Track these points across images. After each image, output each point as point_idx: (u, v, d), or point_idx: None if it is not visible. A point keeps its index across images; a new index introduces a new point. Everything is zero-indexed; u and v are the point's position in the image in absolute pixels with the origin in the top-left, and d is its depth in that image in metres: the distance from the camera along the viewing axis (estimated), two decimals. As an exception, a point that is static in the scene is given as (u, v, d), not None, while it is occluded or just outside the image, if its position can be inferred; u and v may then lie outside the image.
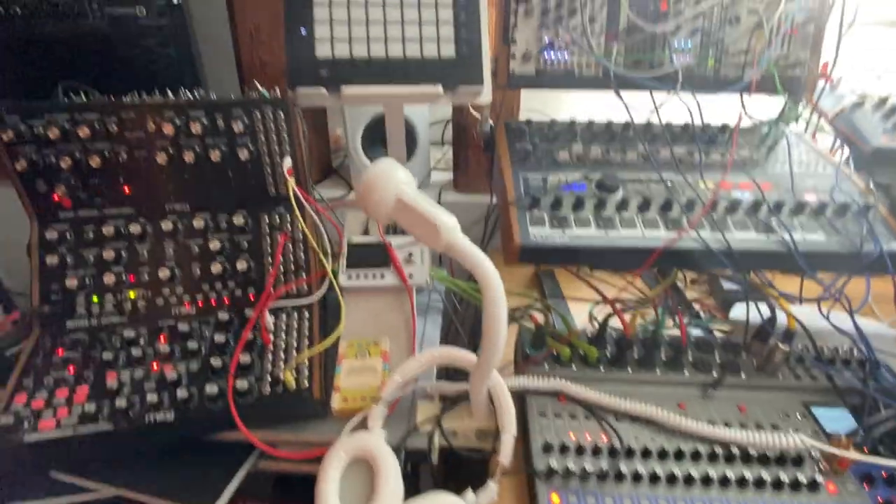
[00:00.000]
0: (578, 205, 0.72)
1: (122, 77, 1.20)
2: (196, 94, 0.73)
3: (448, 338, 0.90)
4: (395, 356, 0.77)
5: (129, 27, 1.16)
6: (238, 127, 0.70)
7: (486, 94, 0.84)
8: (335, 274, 0.78)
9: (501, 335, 0.53)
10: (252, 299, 0.75)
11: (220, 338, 0.68)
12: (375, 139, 1.27)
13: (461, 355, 0.64)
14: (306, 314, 0.75)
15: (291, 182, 0.74)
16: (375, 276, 0.83)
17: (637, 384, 0.66)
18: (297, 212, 0.75)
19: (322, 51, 0.79)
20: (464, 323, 0.99)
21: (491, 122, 0.93)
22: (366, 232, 0.94)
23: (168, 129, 0.68)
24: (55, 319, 0.69)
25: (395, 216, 0.58)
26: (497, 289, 0.53)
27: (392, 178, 0.57)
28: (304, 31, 0.78)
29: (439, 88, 0.81)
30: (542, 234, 0.69)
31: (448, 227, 0.54)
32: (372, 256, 0.85)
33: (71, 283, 0.69)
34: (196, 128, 0.69)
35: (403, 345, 0.80)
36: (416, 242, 0.86)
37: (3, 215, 1.28)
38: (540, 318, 0.72)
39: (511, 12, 0.87)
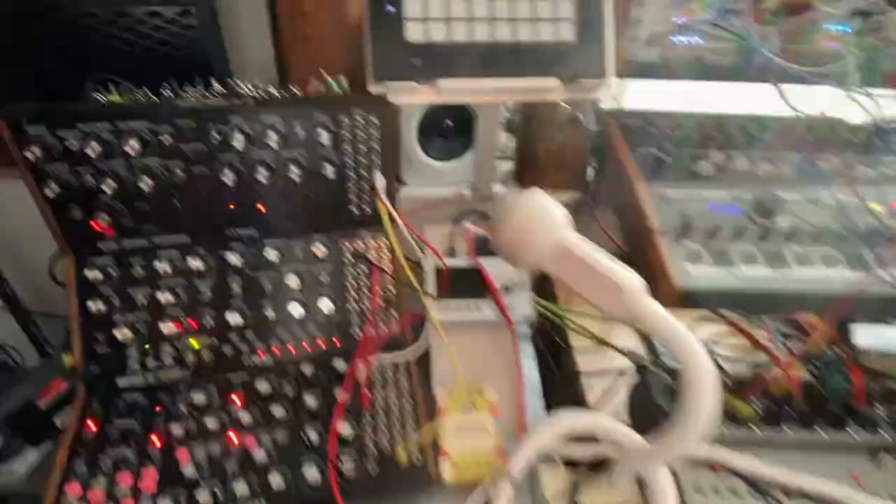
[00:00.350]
0: (738, 234, 0.59)
1: (135, 63, 1.03)
2: (275, 92, 0.57)
3: (546, 378, 0.78)
4: (502, 407, 0.65)
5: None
6: (323, 136, 0.55)
7: (608, 89, 0.69)
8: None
9: (703, 422, 0.42)
10: (337, 345, 0.63)
11: (310, 400, 0.56)
12: (433, 132, 1.11)
13: (619, 432, 0.52)
14: (402, 362, 0.63)
15: (385, 203, 0.60)
16: (470, 308, 0.70)
17: (799, 449, 0.55)
18: (393, 238, 0.61)
19: (414, 33, 0.63)
20: (559, 356, 0.88)
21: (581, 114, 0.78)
22: (450, 253, 0.80)
23: (238, 141, 0.53)
24: (104, 377, 0.56)
25: (551, 266, 0.45)
26: (705, 373, 0.41)
27: (552, 218, 0.44)
28: (390, 8, 0.62)
29: (555, 82, 0.66)
30: (706, 274, 0.56)
31: (634, 289, 0.42)
32: (463, 284, 0.72)
33: (121, 333, 0.55)
34: (272, 138, 0.54)
35: (507, 391, 0.69)
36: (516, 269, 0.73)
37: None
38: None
39: (636, -17, 0.70)
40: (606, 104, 0.78)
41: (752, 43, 0.67)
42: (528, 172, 1.16)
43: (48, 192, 0.50)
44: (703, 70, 0.73)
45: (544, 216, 0.44)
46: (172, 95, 0.68)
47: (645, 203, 0.62)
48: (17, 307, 1.05)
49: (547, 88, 0.67)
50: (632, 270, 0.42)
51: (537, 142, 1.11)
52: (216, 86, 0.69)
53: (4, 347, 1.22)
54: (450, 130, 1.16)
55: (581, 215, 1.12)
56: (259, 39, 1.21)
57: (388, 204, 0.59)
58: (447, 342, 0.62)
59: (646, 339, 0.75)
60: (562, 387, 0.93)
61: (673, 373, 0.64)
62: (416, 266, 0.67)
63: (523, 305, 0.72)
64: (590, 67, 0.66)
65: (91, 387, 0.55)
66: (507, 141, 1.29)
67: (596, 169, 0.80)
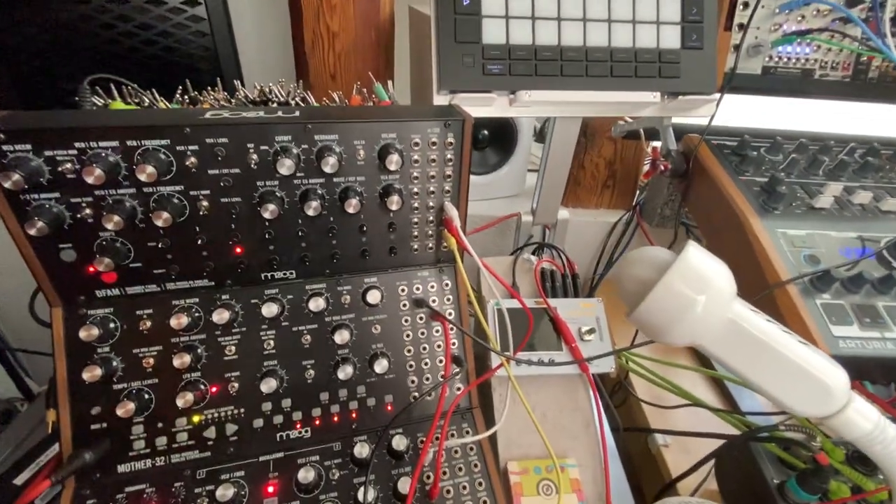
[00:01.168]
0: (886, 285, 0.49)
1: (134, 60, 0.91)
2: (305, 96, 0.45)
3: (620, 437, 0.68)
4: (585, 484, 0.55)
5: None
6: (391, 159, 0.44)
7: (713, 107, 0.58)
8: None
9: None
10: (390, 410, 0.51)
11: (364, 492, 0.44)
12: (474, 142, 1.00)
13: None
14: (470, 434, 0.51)
15: (462, 240, 0.48)
16: (541, 360, 0.59)
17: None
18: (467, 283, 0.50)
19: (493, 34, 0.51)
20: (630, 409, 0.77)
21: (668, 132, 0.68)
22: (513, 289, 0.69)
23: (284, 166, 0.41)
24: (100, 460, 0.43)
25: (714, 347, 0.34)
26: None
27: (720, 288, 0.33)
28: (466, 2, 0.51)
29: (656, 97, 0.55)
30: (854, 338, 0.46)
31: (842, 391, 0.31)
32: (524, 330, 0.60)
33: (123, 408, 0.43)
34: (328, 161, 0.42)
35: (587, 460, 0.58)
36: (591, 309, 0.62)
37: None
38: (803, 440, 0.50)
39: (741, -17, 0.60)
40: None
41: (887, 52, 0.56)
42: (571, 190, 1.06)
43: (31, 230, 0.38)
44: (812, 86, 0.63)
45: (709, 285, 0.33)
46: (188, 100, 0.56)
47: (765, 245, 0.52)
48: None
49: (645, 104, 0.56)
50: (836, 363, 0.32)
51: (582, 155, 1.00)
52: (241, 90, 0.57)
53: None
54: (484, 140, 1.05)
55: (626, 237, 1.02)
56: (276, 35, 1.09)
57: (464, 240, 0.48)
58: (530, 410, 0.51)
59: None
60: (632, 446, 0.82)
61: (788, 443, 0.54)
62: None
63: (604, 356, 0.61)
64: (696, 81, 0.56)
65: (82, 473, 0.43)
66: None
67: (685, 193, 0.69)
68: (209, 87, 0.56)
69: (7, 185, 0.36)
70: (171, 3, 0.90)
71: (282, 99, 0.55)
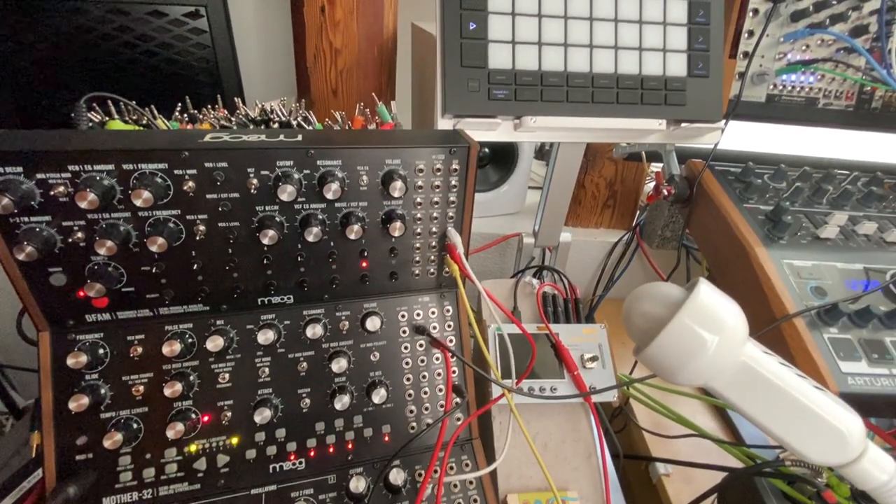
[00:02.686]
0: (893, 320, 0.48)
1: (143, 82, 0.91)
2: (309, 116, 0.44)
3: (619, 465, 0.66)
4: (587, 518, 0.53)
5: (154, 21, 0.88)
6: (394, 185, 0.43)
7: (718, 134, 0.58)
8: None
9: None
10: (387, 441, 0.49)
11: (363, 532, 0.42)
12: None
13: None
14: (470, 467, 0.50)
15: (464, 267, 0.47)
16: (542, 388, 0.57)
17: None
18: (469, 310, 0.49)
19: (499, 58, 0.51)
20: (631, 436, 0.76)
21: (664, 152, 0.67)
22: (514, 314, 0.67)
23: (286, 192, 0.40)
24: (84, 493, 0.41)
25: (725, 389, 0.33)
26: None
27: (733, 329, 0.32)
28: (472, 25, 0.50)
29: (662, 124, 0.55)
30: (863, 374, 0.45)
31: (858, 438, 0.30)
32: (526, 356, 0.59)
33: (111, 439, 0.41)
34: (330, 187, 0.41)
35: (590, 493, 0.56)
36: (594, 335, 0.61)
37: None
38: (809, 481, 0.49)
39: (746, 12, 0.60)
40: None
41: (891, 83, 0.56)
42: (572, 209, 1.05)
43: (20, 255, 0.36)
44: (816, 114, 0.63)
45: (721, 325, 0.32)
46: (187, 118, 0.55)
47: (771, 275, 0.51)
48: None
49: (650, 131, 0.56)
50: (850, 408, 0.31)
51: (583, 175, 1.00)
52: (242, 108, 0.56)
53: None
54: (485, 158, 1.05)
55: (626, 258, 1.02)
56: (277, 49, 1.09)
57: (468, 268, 0.47)
58: (532, 442, 0.49)
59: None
60: (631, 474, 0.81)
61: (793, 478, 0.53)
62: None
63: (605, 381, 0.59)
64: (701, 108, 0.55)
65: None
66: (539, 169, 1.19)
67: (688, 219, 0.68)
68: (209, 105, 0.55)
69: (-4, 209, 0.35)
70: (173, 14, 0.90)
71: (283, 118, 0.54)
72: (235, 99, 0.57)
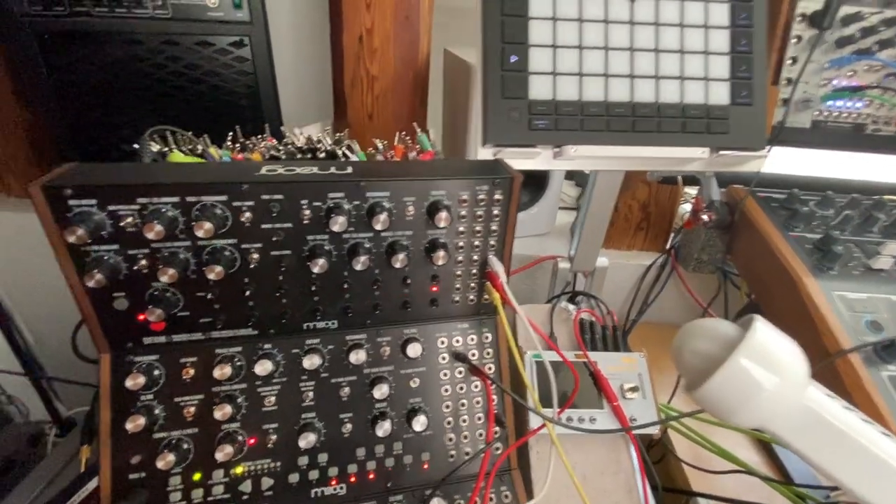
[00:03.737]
0: (956, 358, 0.46)
1: (190, 108, 0.96)
2: (352, 146, 0.46)
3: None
4: (629, 556, 0.51)
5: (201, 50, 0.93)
6: (440, 216, 0.44)
7: (761, 162, 0.57)
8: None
9: None
10: (426, 469, 0.49)
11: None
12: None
13: None
14: (509, 500, 0.49)
15: (507, 295, 0.47)
16: (582, 419, 0.57)
17: None
18: (511, 339, 0.49)
19: (539, 89, 0.52)
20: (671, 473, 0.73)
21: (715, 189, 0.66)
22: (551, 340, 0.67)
23: (337, 223, 0.41)
24: (136, 513, 0.43)
25: (786, 433, 0.32)
26: None
27: (794, 371, 0.31)
28: (514, 58, 0.51)
29: (704, 152, 0.54)
30: (928, 416, 0.43)
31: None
32: (563, 385, 0.58)
33: (163, 460, 0.43)
34: (379, 218, 0.42)
35: (629, 528, 0.55)
36: (633, 364, 0.60)
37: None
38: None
39: (789, 39, 0.59)
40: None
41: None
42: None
43: (90, 282, 0.38)
44: (863, 140, 0.61)
45: (781, 367, 0.31)
46: (238, 147, 0.57)
47: (822, 308, 0.50)
48: (30, 370, 0.93)
49: (691, 159, 0.55)
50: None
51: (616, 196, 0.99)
52: (291, 137, 0.58)
53: (12, 399, 1.10)
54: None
55: (661, 281, 1.00)
56: (313, 76, 1.13)
57: (509, 296, 0.47)
58: (574, 476, 0.48)
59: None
60: None
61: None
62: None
63: (647, 413, 0.58)
64: (745, 136, 0.55)
65: (119, 528, 0.42)
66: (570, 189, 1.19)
67: (729, 244, 0.67)
68: (258, 135, 0.58)
69: (71, 239, 0.37)
70: (219, 44, 0.94)
71: (328, 147, 0.56)
72: (282, 128, 0.59)
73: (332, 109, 1.06)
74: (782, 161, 0.69)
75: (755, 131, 0.55)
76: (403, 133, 0.61)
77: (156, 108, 0.96)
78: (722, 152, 0.55)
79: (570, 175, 1.28)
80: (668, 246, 1.01)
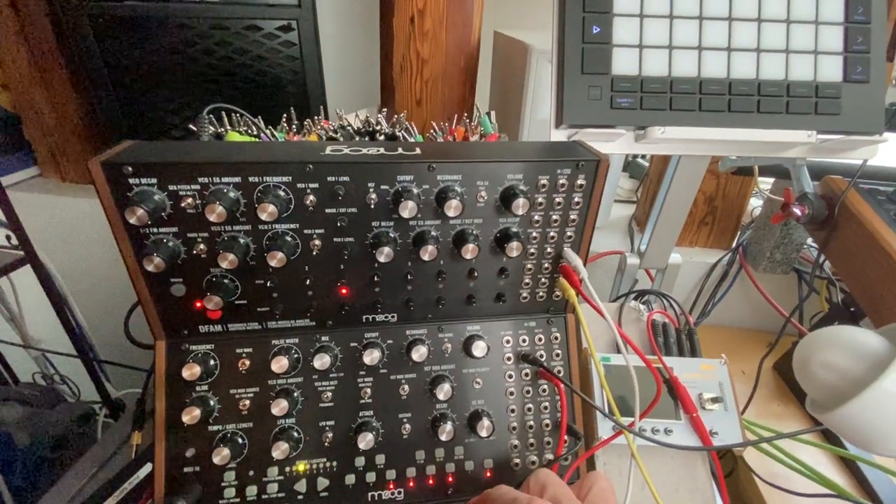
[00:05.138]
0: None
1: (237, 93, 0.96)
2: (413, 130, 0.42)
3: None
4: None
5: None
6: (516, 203, 0.39)
7: (872, 149, 0.50)
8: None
9: None
10: (489, 477, 0.46)
11: (469, 578, 0.39)
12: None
13: None
14: (581, 513, 0.45)
15: (589, 292, 0.43)
16: (656, 430, 0.51)
17: None
18: (590, 339, 0.44)
19: (624, 64, 0.47)
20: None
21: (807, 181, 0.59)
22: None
23: (406, 209, 0.38)
24: (190, 507, 0.41)
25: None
26: None
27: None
28: (596, 29, 0.46)
29: (811, 136, 0.48)
30: None
31: None
32: (638, 393, 0.53)
33: (219, 454, 0.40)
34: (450, 204, 0.38)
35: (707, 552, 0.50)
36: (713, 372, 0.54)
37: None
38: None
39: (911, 7, 0.52)
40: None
41: None
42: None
43: (149, 266, 0.36)
44: None
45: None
46: (294, 129, 0.54)
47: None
48: (83, 352, 0.95)
49: (795, 143, 0.49)
50: None
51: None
52: (349, 120, 0.55)
53: (64, 379, 1.14)
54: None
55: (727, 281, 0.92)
56: (358, 61, 1.10)
57: (593, 295, 0.42)
58: (655, 493, 0.44)
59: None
60: None
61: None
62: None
63: (731, 427, 0.52)
64: (859, 119, 0.48)
65: (172, 523, 0.41)
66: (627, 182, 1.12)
67: (823, 244, 0.60)
68: (315, 118, 0.55)
69: (132, 220, 0.35)
70: (267, 28, 0.93)
71: (387, 130, 0.53)
72: (338, 111, 0.56)
73: (378, 97, 1.03)
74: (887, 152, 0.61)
75: (872, 112, 0.48)
76: (465, 115, 0.57)
77: (205, 94, 0.95)
78: (829, 137, 0.48)
79: (626, 167, 1.21)
80: (735, 243, 0.93)
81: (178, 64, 0.92)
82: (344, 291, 0.43)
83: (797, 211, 0.58)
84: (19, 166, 1.09)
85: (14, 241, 0.80)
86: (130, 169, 0.35)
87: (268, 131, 0.51)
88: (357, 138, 0.52)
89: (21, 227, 0.79)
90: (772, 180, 0.87)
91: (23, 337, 1.02)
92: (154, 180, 0.35)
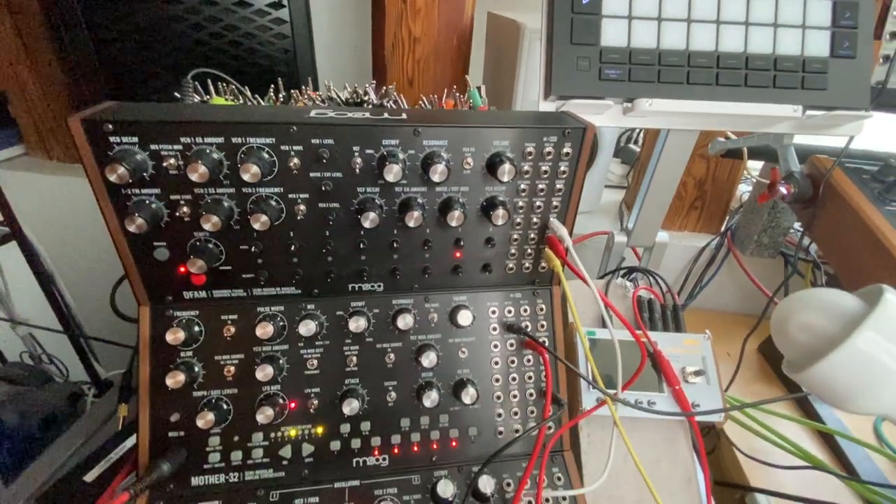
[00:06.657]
0: None
1: (225, 70, 0.95)
2: (401, 101, 0.42)
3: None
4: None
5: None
6: (502, 169, 0.39)
7: (861, 126, 0.51)
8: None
9: None
10: (473, 444, 0.46)
11: (450, 539, 0.39)
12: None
13: None
14: (562, 481, 0.46)
15: (575, 262, 0.43)
16: (640, 402, 0.52)
17: None
18: (574, 309, 0.45)
19: (613, 35, 0.47)
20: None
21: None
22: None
23: (391, 172, 0.38)
24: (175, 476, 0.41)
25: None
26: None
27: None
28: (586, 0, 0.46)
29: (797, 111, 0.48)
30: None
31: None
32: (620, 365, 0.54)
33: (203, 418, 0.41)
34: (436, 169, 0.38)
35: (686, 520, 0.51)
36: (696, 347, 0.55)
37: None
38: None
39: (899, -16, 0.52)
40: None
41: None
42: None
43: (130, 227, 0.36)
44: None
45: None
46: (281, 99, 0.54)
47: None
48: (70, 328, 0.94)
49: (781, 118, 0.49)
50: None
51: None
52: (334, 91, 0.55)
53: (53, 359, 1.13)
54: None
55: (715, 264, 0.93)
56: (351, 39, 1.09)
57: (578, 265, 0.42)
58: (639, 463, 0.44)
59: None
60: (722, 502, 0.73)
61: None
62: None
63: (712, 399, 0.53)
64: (845, 94, 0.48)
65: (158, 485, 0.41)
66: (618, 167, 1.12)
67: (810, 221, 0.61)
68: (302, 87, 0.55)
69: (112, 178, 0.34)
70: (257, 5, 0.91)
71: (375, 101, 0.52)
72: (326, 82, 0.56)
73: (369, 76, 1.02)
74: (873, 131, 0.61)
75: (858, 88, 0.48)
76: (454, 88, 0.56)
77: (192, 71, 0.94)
78: (815, 112, 0.49)
79: (617, 152, 1.21)
80: (724, 227, 0.94)
81: (166, 39, 0.91)
82: (329, 258, 0.43)
83: (783, 189, 0.58)
84: (5, 144, 1.07)
85: (0, 217, 0.79)
86: (111, 126, 0.34)
87: (254, 100, 0.51)
88: (347, 107, 0.52)
89: (6, 203, 0.78)
90: (761, 165, 0.88)
91: (9, 314, 1.01)
92: (135, 139, 0.35)
